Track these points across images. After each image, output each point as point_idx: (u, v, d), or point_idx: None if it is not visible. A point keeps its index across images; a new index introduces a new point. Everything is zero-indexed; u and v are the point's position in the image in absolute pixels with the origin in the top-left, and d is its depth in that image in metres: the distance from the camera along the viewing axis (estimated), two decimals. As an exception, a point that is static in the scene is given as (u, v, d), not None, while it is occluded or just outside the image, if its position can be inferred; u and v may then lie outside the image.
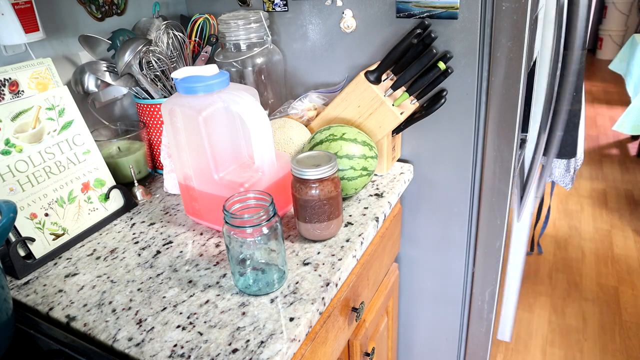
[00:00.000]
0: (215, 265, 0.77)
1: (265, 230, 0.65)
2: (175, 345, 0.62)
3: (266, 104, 1.10)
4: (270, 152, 0.79)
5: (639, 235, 2.33)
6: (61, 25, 0.97)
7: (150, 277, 0.75)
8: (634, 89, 2.67)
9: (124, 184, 0.94)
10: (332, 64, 1.08)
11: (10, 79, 0.81)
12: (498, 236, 1.07)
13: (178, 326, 0.65)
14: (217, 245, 0.82)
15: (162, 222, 0.90)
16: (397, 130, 0.99)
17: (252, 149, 0.78)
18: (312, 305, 0.66)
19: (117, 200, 0.93)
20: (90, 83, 0.98)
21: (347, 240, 0.80)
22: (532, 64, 1.09)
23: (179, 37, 1.02)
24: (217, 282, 0.72)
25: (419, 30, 0.89)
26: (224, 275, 0.74)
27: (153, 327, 0.65)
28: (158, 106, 1.01)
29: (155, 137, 1.05)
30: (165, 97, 1.01)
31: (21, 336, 0.65)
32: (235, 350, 0.60)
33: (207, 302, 0.69)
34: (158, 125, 1.03)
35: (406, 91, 0.91)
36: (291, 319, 0.64)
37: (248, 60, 1.04)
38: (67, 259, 0.81)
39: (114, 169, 0.95)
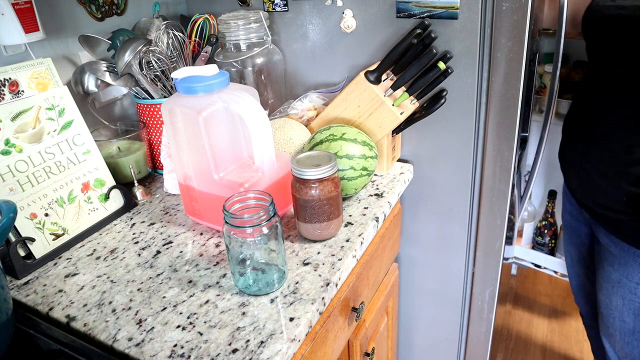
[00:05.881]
0: (215, 265, 0.77)
1: (265, 230, 0.65)
2: (175, 345, 0.62)
3: (266, 104, 1.10)
4: (270, 152, 0.79)
5: (639, 235, 2.32)
6: (61, 25, 0.97)
7: (150, 277, 0.75)
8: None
9: (124, 184, 0.94)
10: (332, 64, 1.08)
11: (10, 79, 0.81)
12: (498, 236, 1.07)
13: (178, 326, 0.65)
14: (217, 245, 0.82)
15: (162, 222, 0.90)
16: (397, 130, 0.99)
17: (252, 149, 0.78)
18: (312, 305, 0.66)
19: (117, 200, 0.93)
20: (90, 83, 0.98)
21: (347, 240, 0.80)
22: (532, 64, 1.09)
23: (179, 37, 1.02)
24: (217, 282, 0.72)
25: (419, 30, 0.89)
26: (224, 275, 0.74)
27: (153, 327, 0.65)
28: (158, 106, 1.01)
29: (155, 137, 1.05)
30: (165, 97, 1.01)
31: (21, 336, 0.65)
32: (235, 350, 0.60)
33: (207, 302, 0.69)
34: (158, 125, 1.03)
35: (406, 91, 0.91)
36: (291, 319, 0.64)
37: (248, 60, 1.04)
38: (67, 259, 0.81)
39: (114, 169, 0.95)
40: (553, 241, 1.99)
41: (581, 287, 1.26)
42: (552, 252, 2.00)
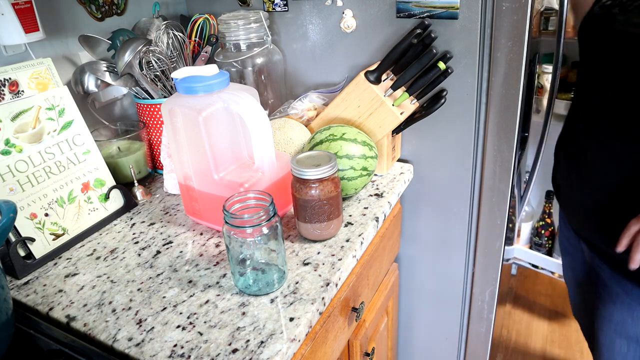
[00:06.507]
0: (215, 265, 0.77)
1: (265, 230, 0.65)
2: (175, 345, 0.62)
3: (266, 104, 1.10)
4: (270, 152, 0.79)
5: (638, 235, 2.32)
6: (61, 25, 0.97)
7: (150, 277, 0.75)
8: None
9: (124, 184, 0.94)
10: (332, 64, 1.08)
11: (10, 79, 0.81)
12: (498, 236, 1.07)
13: (178, 326, 0.65)
14: (217, 245, 0.82)
15: (162, 222, 0.90)
16: (397, 130, 0.99)
17: (252, 149, 0.78)
18: (312, 305, 0.66)
19: (117, 200, 0.93)
20: (90, 83, 0.98)
21: (347, 240, 0.80)
22: (532, 64, 1.09)
23: (179, 37, 1.02)
24: (217, 282, 0.72)
25: (419, 30, 0.89)
26: (224, 275, 0.74)
27: (153, 327, 0.65)
28: (158, 106, 1.01)
29: (155, 137, 1.05)
30: (165, 97, 1.01)
31: (21, 336, 0.65)
32: (235, 350, 0.60)
33: (207, 302, 0.69)
34: (158, 125, 1.03)
35: (406, 91, 0.91)
36: (291, 319, 0.64)
37: (248, 60, 1.04)
38: (67, 259, 0.81)
39: (114, 169, 0.95)
40: (550, 242, 1.99)
41: (578, 306, 1.17)
42: (549, 253, 2.01)
